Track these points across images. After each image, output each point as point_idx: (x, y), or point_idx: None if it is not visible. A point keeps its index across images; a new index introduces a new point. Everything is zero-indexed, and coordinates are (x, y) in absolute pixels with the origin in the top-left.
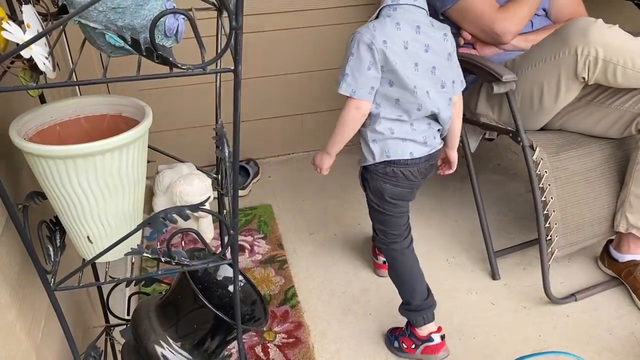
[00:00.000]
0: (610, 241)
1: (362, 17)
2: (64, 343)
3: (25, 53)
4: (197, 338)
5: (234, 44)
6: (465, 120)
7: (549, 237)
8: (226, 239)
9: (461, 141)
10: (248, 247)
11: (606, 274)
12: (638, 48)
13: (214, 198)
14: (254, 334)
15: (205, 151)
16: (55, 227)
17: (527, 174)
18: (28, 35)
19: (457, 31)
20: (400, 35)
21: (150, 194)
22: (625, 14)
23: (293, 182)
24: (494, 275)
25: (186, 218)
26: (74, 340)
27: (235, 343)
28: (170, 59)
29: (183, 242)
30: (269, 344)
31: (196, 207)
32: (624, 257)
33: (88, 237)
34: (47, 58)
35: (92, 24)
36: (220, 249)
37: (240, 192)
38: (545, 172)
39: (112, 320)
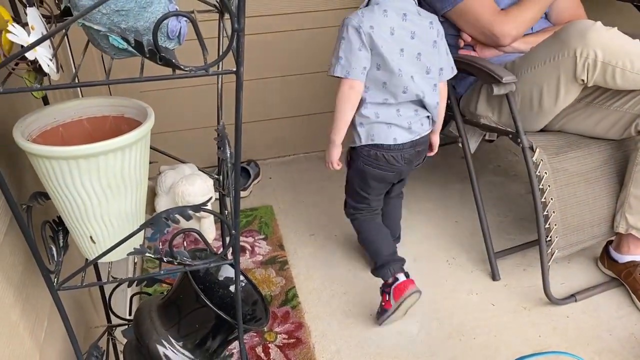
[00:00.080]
0: (610, 242)
1: None
2: (66, 343)
3: (29, 55)
4: (198, 338)
5: (235, 45)
6: (465, 121)
7: (548, 238)
8: (227, 239)
9: (461, 142)
10: (249, 248)
11: (606, 275)
12: (637, 50)
13: (215, 199)
14: (255, 334)
15: (206, 152)
16: (59, 228)
17: (527, 175)
18: (32, 38)
19: (457, 33)
20: (386, 22)
21: (152, 194)
22: (625, 16)
23: (294, 183)
24: (494, 276)
25: (188, 218)
26: (76, 340)
27: (236, 343)
28: (173, 60)
29: (185, 243)
30: (269, 345)
31: (198, 207)
32: (624, 258)
33: (91, 237)
34: (51, 60)
35: (95, 27)
36: (221, 250)
37: (241, 193)
38: (545, 173)
39: (114, 321)
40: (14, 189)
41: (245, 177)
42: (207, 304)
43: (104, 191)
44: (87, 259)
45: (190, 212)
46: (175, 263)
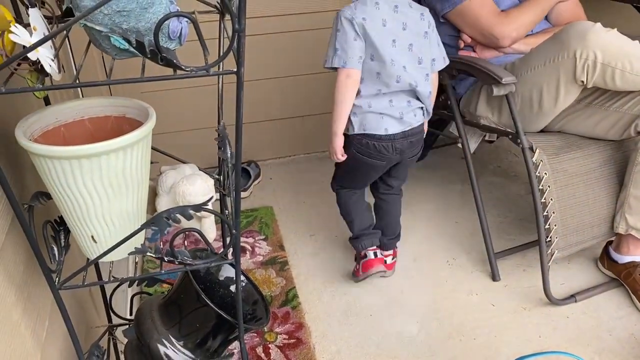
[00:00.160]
0: (609, 242)
1: None
2: (67, 342)
3: (32, 55)
4: (199, 337)
5: (236, 46)
6: (465, 122)
7: (548, 239)
8: (228, 240)
9: (461, 143)
10: (249, 248)
11: (606, 275)
12: (636, 51)
13: (216, 200)
14: (255, 334)
15: (207, 153)
16: (60, 227)
17: (527, 176)
18: (35, 38)
19: (457, 34)
20: (379, 14)
21: (153, 194)
22: (624, 17)
23: (294, 184)
24: (494, 277)
25: (189, 217)
26: (78, 339)
27: (236, 343)
28: (174, 61)
29: (185, 243)
30: (270, 345)
31: (199, 207)
32: (624, 259)
33: (92, 237)
34: (53, 60)
35: (97, 27)
36: (222, 250)
37: (242, 194)
38: (545, 173)
39: (115, 320)
40: (15, 189)
41: (246, 178)
42: (208, 304)
43: (106, 191)
44: (88, 259)
45: (191, 211)
46: (176, 262)
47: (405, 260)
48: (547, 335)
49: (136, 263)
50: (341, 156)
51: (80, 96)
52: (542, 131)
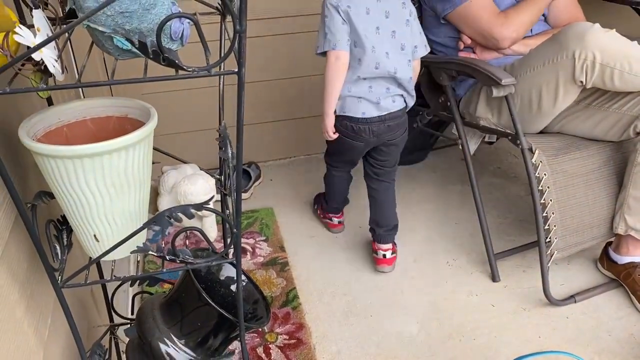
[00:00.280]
0: (609, 243)
1: None
2: (69, 341)
3: (35, 56)
4: (200, 336)
5: (237, 47)
6: (465, 123)
7: (548, 239)
8: (229, 239)
9: (461, 144)
10: (250, 249)
11: (605, 276)
12: (635, 52)
13: (217, 200)
14: (256, 335)
15: (207, 154)
16: (62, 226)
17: (526, 177)
18: (38, 39)
19: (457, 35)
20: (362, 2)
21: (155, 194)
22: (623, 18)
23: (294, 185)
24: (494, 277)
25: (191, 216)
26: (80, 338)
27: (237, 344)
28: (176, 61)
29: (187, 242)
30: (270, 345)
31: (200, 206)
32: (623, 259)
33: (95, 236)
34: (56, 61)
35: (100, 28)
36: (223, 249)
37: (242, 195)
38: (545, 174)
39: (116, 320)
40: (18, 188)
41: (246, 179)
42: (209, 302)
43: (108, 190)
44: (90, 257)
45: (193, 210)
46: (178, 261)
47: (405, 261)
48: (546, 336)
49: (138, 261)
50: (332, 134)
51: (82, 97)
52: (541, 132)
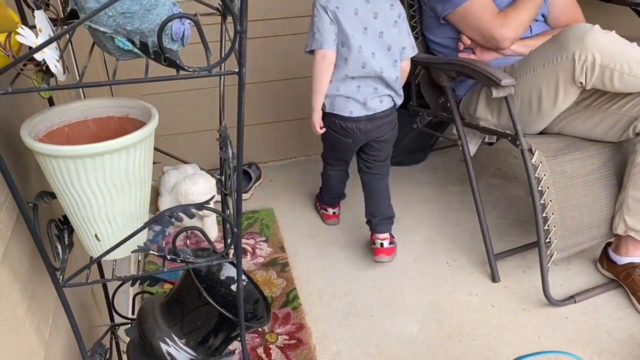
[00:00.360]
0: (609, 244)
1: None
2: (70, 340)
3: (37, 56)
4: (201, 335)
5: (238, 47)
6: (465, 124)
7: (548, 240)
8: (229, 239)
9: (461, 145)
10: (250, 250)
11: (605, 277)
12: (634, 53)
13: (217, 201)
14: (256, 335)
15: (207, 155)
16: (64, 226)
17: (526, 178)
18: (40, 39)
19: (457, 36)
20: (351, 3)
21: (155, 194)
22: (623, 19)
23: (295, 186)
24: (494, 278)
25: (192, 216)
26: (81, 337)
27: (237, 344)
28: (177, 61)
29: (188, 241)
30: (271, 345)
31: (201, 206)
32: (623, 260)
33: (96, 235)
34: (58, 61)
35: (102, 28)
36: (223, 249)
37: (243, 196)
38: (544, 175)
39: (117, 320)
40: (20, 188)
41: (247, 180)
42: (210, 302)
43: (109, 190)
44: (91, 257)
45: (194, 210)
46: (178, 260)
47: (405, 261)
48: (546, 336)
49: (139, 261)
50: (319, 129)
51: (82, 97)
52: (541, 133)
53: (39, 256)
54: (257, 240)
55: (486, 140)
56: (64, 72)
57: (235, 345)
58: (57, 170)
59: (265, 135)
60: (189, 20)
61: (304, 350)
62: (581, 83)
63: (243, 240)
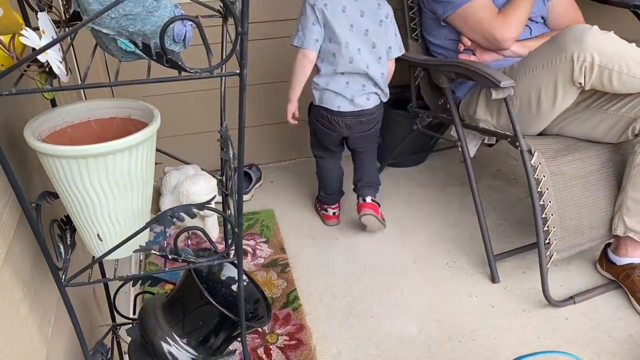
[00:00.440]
0: (608, 244)
1: None
2: (72, 340)
3: (41, 57)
4: (202, 335)
5: (239, 48)
6: (465, 125)
7: (547, 241)
8: (230, 240)
9: (461, 146)
10: (250, 251)
11: (604, 277)
12: (633, 54)
13: (218, 202)
14: (257, 336)
15: (208, 156)
16: (66, 226)
17: (526, 179)
18: (44, 41)
19: (457, 38)
20: (339, 1)
21: (157, 194)
22: (622, 21)
23: (295, 187)
24: (494, 279)
25: (193, 216)
26: (83, 336)
27: (238, 345)
28: (179, 62)
29: (189, 242)
30: (271, 346)
31: (202, 206)
32: (622, 261)
33: (98, 235)
34: (61, 62)
35: (104, 30)
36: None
37: (243, 197)
38: (544, 176)
39: (118, 320)
40: (23, 188)
41: (247, 181)
42: (211, 302)
43: (112, 190)
44: (93, 257)
45: (195, 210)
46: (180, 260)
47: (405, 262)
48: (546, 337)
49: (141, 261)
50: (291, 119)
51: (84, 98)
52: (540, 134)
53: (42, 256)
54: (258, 241)
55: (486, 141)
56: (67, 74)
57: (235, 345)
58: (60, 170)
59: (266, 136)
60: (190, 22)
61: (304, 351)
62: (580, 83)
63: (243, 242)
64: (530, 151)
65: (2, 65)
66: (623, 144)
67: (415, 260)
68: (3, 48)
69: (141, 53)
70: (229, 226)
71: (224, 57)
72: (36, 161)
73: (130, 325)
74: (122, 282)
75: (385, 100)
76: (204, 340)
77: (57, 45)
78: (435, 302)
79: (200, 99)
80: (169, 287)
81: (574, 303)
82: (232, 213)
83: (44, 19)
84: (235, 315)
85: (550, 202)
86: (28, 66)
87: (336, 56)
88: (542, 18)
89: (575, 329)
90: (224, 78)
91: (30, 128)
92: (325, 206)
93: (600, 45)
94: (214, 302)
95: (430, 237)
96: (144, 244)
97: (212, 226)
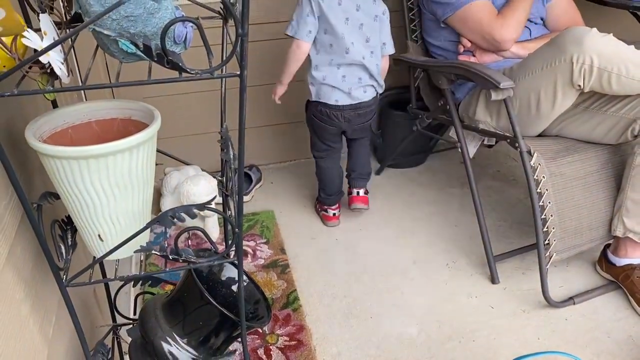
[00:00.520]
0: (607, 245)
1: None
2: (73, 340)
3: (42, 59)
4: (202, 335)
5: (239, 50)
6: (464, 126)
7: (547, 242)
8: (230, 240)
9: (460, 147)
10: (251, 251)
11: (604, 278)
12: (632, 56)
13: (218, 203)
14: (257, 336)
15: (208, 157)
16: (67, 226)
17: (526, 181)
18: (45, 42)
19: (457, 39)
20: None
21: (158, 195)
22: (621, 23)
23: (295, 188)
24: (494, 279)
25: (193, 216)
26: (84, 336)
27: (238, 345)
28: (180, 64)
29: (189, 242)
30: (271, 347)
31: (203, 206)
32: (621, 261)
33: (99, 235)
34: (62, 63)
35: (106, 32)
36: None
37: (243, 198)
38: (543, 177)
39: (119, 320)
40: (24, 189)
41: (247, 182)
42: (211, 302)
43: (112, 190)
44: (94, 257)
45: (195, 210)
46: (180, 260)
47: (405, 262)
48: (545, 337)
49: (141, 261)
50: (277, 100)
51: (84, 100)
52: (540, 135)
53: (43, 256)
54: (258, 242)
55: (485, 142)
56: (68, 75)
57: (236, 345)
58: (61, 171)
59: (266, 137)
60: (191, 24)
61: (304, 352)
62: (579, 85)
63: (243, 242)
64: (529, 152)
65: (4, 66)
66: (622, 145)
67: (415, 261)
68: (5, 49)
69: (142, 54)
70: (229, 227)
71: (224, 58)
72: (37, 162)
73: (131, 326)
74: (122, 282)
75: (380, 91)
76: (205, 340)
77: (59, 47)
78: (435, 303)
79: (200, 100)
80: (169, 287)
81: (574, 304)
82: (233, 214)
83: (45, 21)
84: (235, 316)
85: (549, 203)
86: (30, 67)
87: (333, 46)
88: (542, 19)
89: (574, 329)
90: (224, 79)
91: (32, 129)
92: (326, 207)
93: (599, 48)
94: (215, 302)
95: (430, 237)
96: (145, 244)
97: (212, 227)
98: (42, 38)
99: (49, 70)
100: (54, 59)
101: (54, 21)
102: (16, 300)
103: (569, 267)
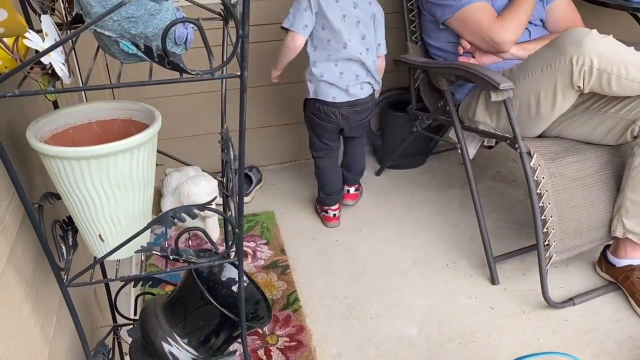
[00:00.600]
0: (607, 246)
1: None
2: (74, 340)
3: (44, 60)
4: (203, 335)
5: (240, 51)
6: (464, 127)
7: (546, 242)
8: (231, 241)
9: (460, 148)
10: (251, 252)
11: (604, 279)
12: (631, 57)
13: (218, 204)
14: (257, 337)
15: (209, 158)
16: (68, 227)
17: (525, 181)
18: (47, 43)
19: (456, 41)
20: None
21: (158, 195)
22: (621, 24)
23: (295, 189)
24: (494, 280)
25: (194, 216)
26: (85, 336)
27: (239, 346)
28: (181, 65)
29: (190, 242)
30: (271, 347)
31: (203, 206)
32: (621, 262)
33: (100, 236)
34: (63, 64)
35: (107, 33)
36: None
37: (244, 199)
38: (543, 178)
39: (119, 320)
40: (25, 189)
41: (248, 183)
42: (212, 302)
43: (113, 191)
44: (95, 257)
45: (196, 211)
46: (181, 261)
47: (405, 263)
48: (545, 338)
49: (142, 261)
50: (274, 80)
51: (84, 100)
52: (540, 136)
53: (44, 256)
54: (258, 243)
55: (485, 143)
56: (69, 76)
57: (236, 346)
58: (62, 171)
59: (266, 138)
60: (192, 25)
61: (304, 352)
62: (579, 87)
63: (244, 243)
64: (529, 153)
65: (6, 67)
66: (622, 146)
67: (415, 262)
68: (7, 50)
69: (143, 55)
70: (229, 227)
71: (224, 59)
72: (38, 162)
73: (131, 326)
74: (123, 282)
75: (377, 88)
76: (205, 340)
77: (60, 48)
78: (435, 304)
79: (201, 101)
80: (169, 288)
81: (574, 304)
82: (233, 214)
83: (47, 22)
84: (235, 316)
85: (549, 203)
86: (31, 68)
87: (330, 42)
88: (541, 21)
89: (574, 330)
90: (224, 80)
91: (33, 129)
92: (326, 207)
93: (599, 49)
94: (215, 303)
95: (430, 238)
96: (145, 245)
97: (212, 227)
98: (43, 39)
99: (50, 71)
100: (55, 59)
101: (55, 22)
102: (17, 301)
103: (568, 268)
